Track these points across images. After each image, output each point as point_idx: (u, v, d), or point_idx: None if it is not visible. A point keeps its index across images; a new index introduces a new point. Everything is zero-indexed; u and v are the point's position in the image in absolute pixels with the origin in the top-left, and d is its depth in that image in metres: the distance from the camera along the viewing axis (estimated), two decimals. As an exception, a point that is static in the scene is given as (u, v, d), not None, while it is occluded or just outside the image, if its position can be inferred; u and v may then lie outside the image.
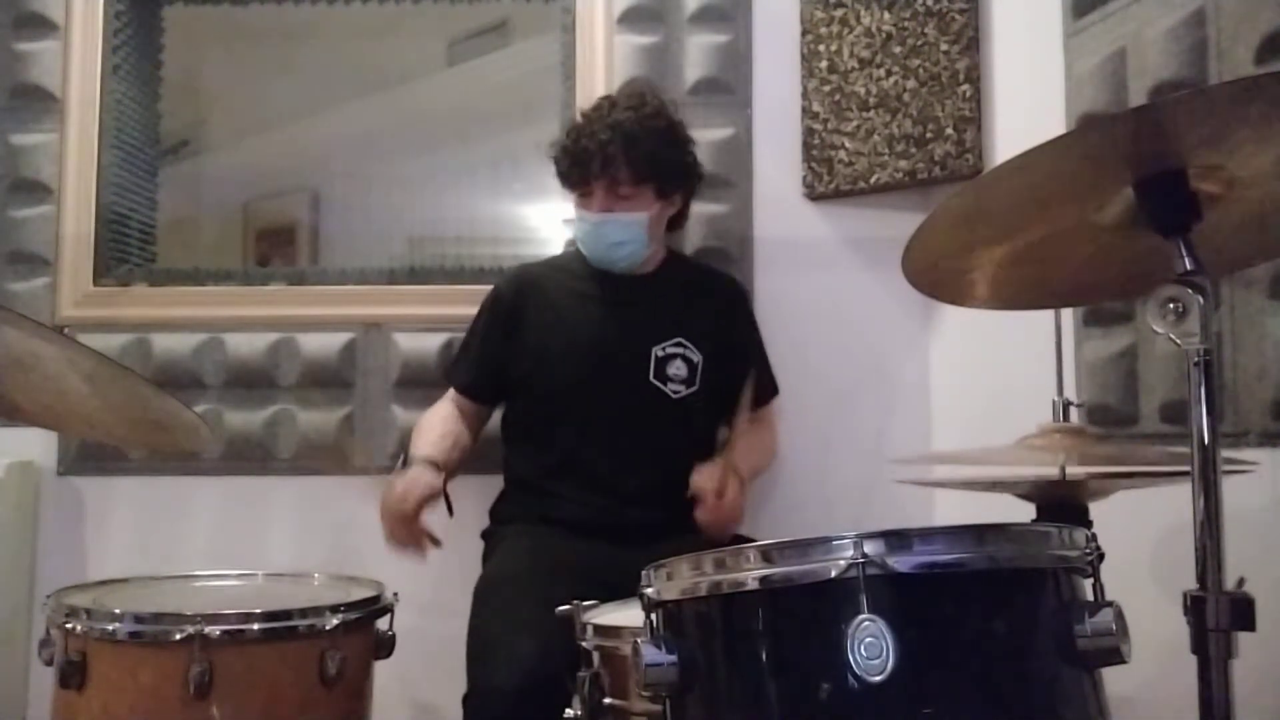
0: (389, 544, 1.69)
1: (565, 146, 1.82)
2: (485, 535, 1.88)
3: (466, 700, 1.48)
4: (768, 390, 1.99)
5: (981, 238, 1.11)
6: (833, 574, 0.86)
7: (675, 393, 1.83)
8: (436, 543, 1.70)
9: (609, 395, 1.81)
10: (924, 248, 1.12)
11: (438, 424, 1.88)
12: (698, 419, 1.88)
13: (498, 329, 1.90)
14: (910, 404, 2.14)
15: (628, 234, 1.82)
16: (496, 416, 1.98)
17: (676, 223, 1.96)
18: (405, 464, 1.75)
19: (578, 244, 1.91)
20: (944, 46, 1.99)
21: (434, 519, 1.71)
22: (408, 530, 1.67)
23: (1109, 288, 1.31)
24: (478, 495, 1.95)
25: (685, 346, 1.84)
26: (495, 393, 1.95)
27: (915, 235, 1.10)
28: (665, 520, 1.74)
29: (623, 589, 1.22)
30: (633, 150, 1.77)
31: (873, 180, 2.07)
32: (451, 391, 1.95)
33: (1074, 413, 1.39)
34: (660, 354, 1.83)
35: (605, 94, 1.98)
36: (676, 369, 1.83)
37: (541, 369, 1.84)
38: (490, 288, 1.95)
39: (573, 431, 1.82)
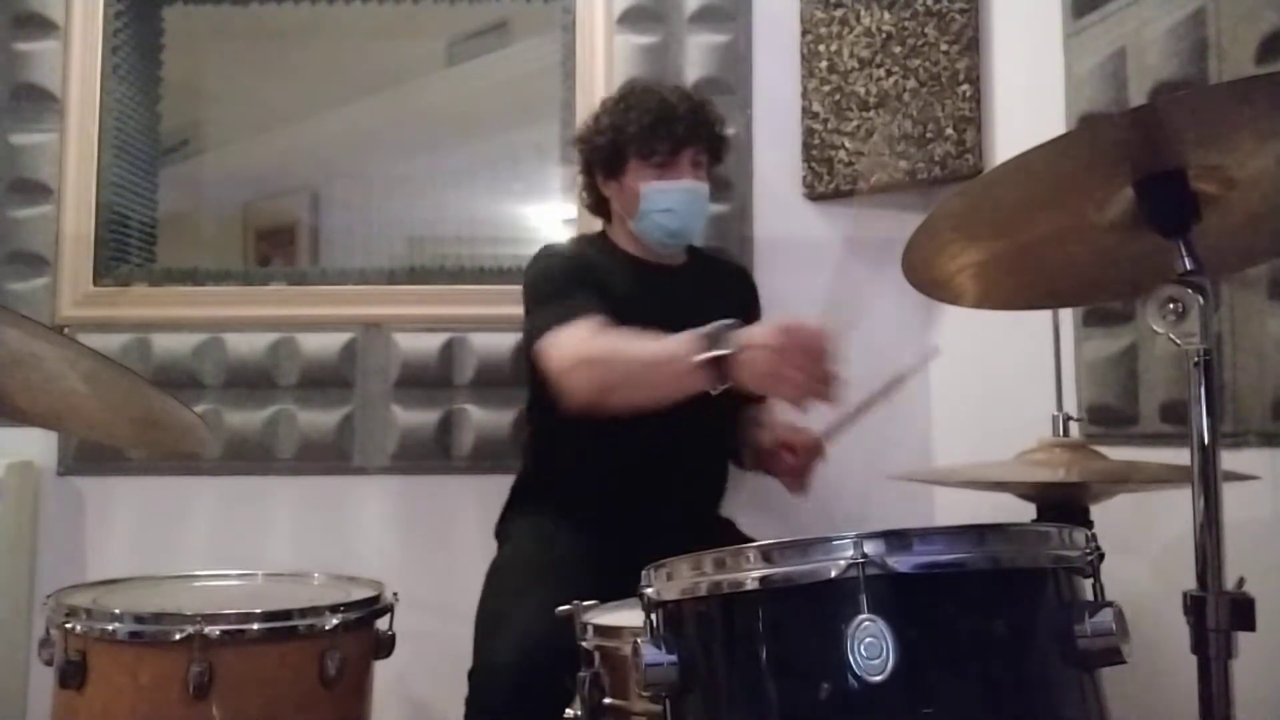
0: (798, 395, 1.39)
1: (640, 117, 1.71)
2: (498, 533, 1.84)
3: (471, 676, 1.47)
4: None
5: (981, 238, 1.11)
6: (833, 574, 0.86)
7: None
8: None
9: None
10: (924, 248, 1.12)
11: (616, 332, 1.58)
12: (727, 414, 1.84)
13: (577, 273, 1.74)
14: (910, 403, 2.13)
15: (704, 207, 1.80)
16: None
17: None
18: (719, 349, 1.41)
19: (645, 222, 1.76)
20: (944, 46, 1.99)
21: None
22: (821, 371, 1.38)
23: (1109, 288, 1.31)
24: (479, 495, 1.95)
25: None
26: None
27: (915, 235, 1.10)
28: (692, 513, 1.73)
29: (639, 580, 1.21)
30: (711, 113, 1.77)
31: (873, 180, 2.07)
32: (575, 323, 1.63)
33: (1074, 427, 1.39)
34: None
35: (608, 94, 1.90)
36: None
37: None
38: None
39: (608, 423, 1.64)
